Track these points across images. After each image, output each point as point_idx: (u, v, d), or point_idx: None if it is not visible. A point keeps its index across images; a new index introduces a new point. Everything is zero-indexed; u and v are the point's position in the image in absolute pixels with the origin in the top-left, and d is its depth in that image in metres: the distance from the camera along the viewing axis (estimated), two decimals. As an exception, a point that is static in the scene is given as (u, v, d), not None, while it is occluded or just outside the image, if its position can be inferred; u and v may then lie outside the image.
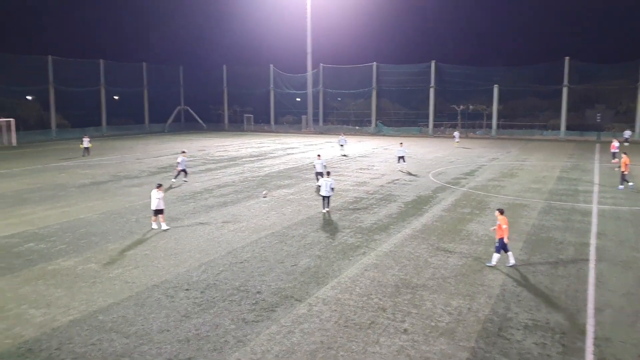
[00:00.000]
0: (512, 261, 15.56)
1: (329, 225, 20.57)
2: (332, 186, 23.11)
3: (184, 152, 33.84)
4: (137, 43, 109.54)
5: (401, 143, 40.18)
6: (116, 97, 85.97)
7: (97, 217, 22.08)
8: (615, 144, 42.61)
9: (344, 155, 46.04)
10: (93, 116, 78.73)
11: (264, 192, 27.16)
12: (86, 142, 46.79)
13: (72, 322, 11.77)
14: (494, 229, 15.99)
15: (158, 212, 20.04)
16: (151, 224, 20.33)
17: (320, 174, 28.79)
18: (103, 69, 79.69)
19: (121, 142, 62.58)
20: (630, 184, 29.11)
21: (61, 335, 11.14)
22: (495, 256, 15.59)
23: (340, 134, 53.59)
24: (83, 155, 45.61)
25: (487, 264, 15.72)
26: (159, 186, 20.43)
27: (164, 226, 20.02)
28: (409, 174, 35.22)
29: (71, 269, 15.37)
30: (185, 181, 31.45)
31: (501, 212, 15.92)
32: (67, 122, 75.66)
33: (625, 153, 30.46)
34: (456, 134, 61.30)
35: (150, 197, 20.54)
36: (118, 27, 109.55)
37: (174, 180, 31.01)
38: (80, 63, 77.16)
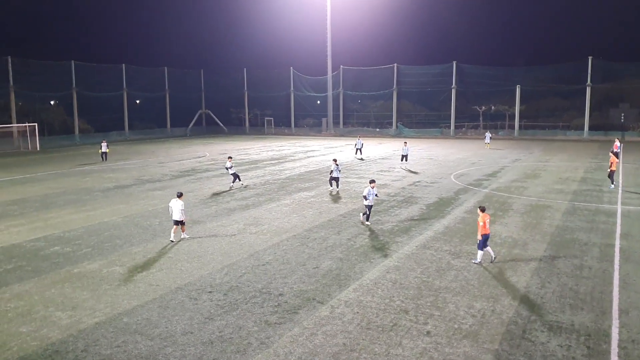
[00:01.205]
0: (479, 259, 15.95)
1: (350, 228, 20.57)
2: (377, 195, 21.65)
3: (230, 157, 33.15)
4: (159, 48, 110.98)
5: (405, 142, 42.19)
6: (138, 102, 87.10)
7: (121, 221, 22.38)
8: (617, 144, 42.08)
9: (361, 159, 45.75)
10: (116, 121, 79.89)
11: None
12: (104, 147, 46.41)
13: (98, 324, 11.96)
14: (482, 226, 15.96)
15: (179, 222, 18.79)
16: (170, 235, 18.93)
17: (336, 179, 28.89)
18: (125, 73, 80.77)
19: (144, 146, 63.37)
20: (611, 185, 29.32)
21: (87, 337, 11.32)
22: (480, 253, 15.93)
23: (357, 137, 53.29)
24: (102, 160, 45.67)
25: (473, 262, 16.01)
26: (180, 195, 19.20)
27: (185, 235, 19.25)
28: (410, 171, 36.61)
29: (96, 272, 15.62)
30: (242, 184, 31.37)
31: (482, 209, 16.27)
32: (90, 126, 76.91)
33: (612, 152, 30.13)
34: (487, 134, 60.51)
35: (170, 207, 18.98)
36: (139, 32, 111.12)
37: (232, 185, 30.96)
38: (103, 68, 78.37)
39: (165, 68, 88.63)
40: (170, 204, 18.95)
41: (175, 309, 12.72)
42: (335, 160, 29.89)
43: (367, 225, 20.87)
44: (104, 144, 46.94)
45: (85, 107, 75.09)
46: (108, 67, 79.29)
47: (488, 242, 16.04)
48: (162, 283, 14.56)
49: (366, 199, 20.78)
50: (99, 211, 24.45)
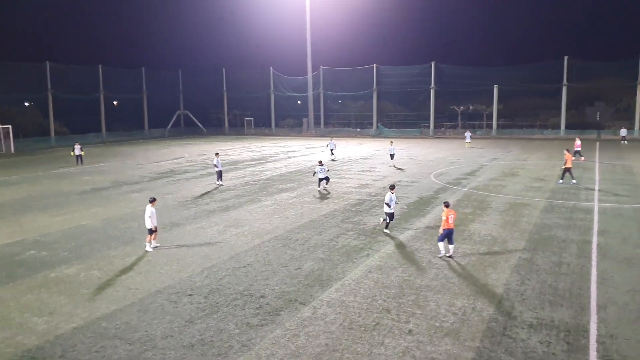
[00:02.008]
0: (442, 252, 16.50)
1: (332, 228, 20.54)
2: (385, 201, 19.74)
3: (217, 153, 34.04)
4: (136, 49, 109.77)
5: (391, 142, 43.74)
6: (115, 103, 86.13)
7: (99, 224, 22.08)
8: (578, 142, 43.13)
9: (333, 160, 45.22)
10: (93, 122, 78.86)
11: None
12: (77, 150, 44.99)
13: (76, 329, 11.76)
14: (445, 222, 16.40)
15: (153, 230, 17.79)
16: (145, 245, 18.06)
17: (325, 179, 29.36)
18: (102, 75, 79.80)
19: (121, 148, 62.67)
20: (561, 180, 30.37)
21: (64, 343, 11.12)
22: (440, 245, 16.53)
23: (330, 138, 53.13)
24: (77, 164, 44.22)
25: (438, 256, 16.49)
26: (153, 201, 18.07)
27: (154, 243, 17.97)
28: (396, 168, 37.67)
29: (74, 276, 15.37)
30: (220, 184, 31.72)
31: (447, 205, 16.67)
32: (66, 129, 75.75)
33: (567, 150, 31.37)
34: (467, 134, 61.22)
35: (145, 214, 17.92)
36: (116, 33, 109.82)
37: (219, 182, 31.70)
38: (79, 69, 77.31)
39: (143, 69, 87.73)
40: (147, 213, 17.73)
41: (155, 313, 12.57)
42: (320, 162, 30.23)
43: (387, 233, 19.59)
44: (77, 147, 45.38)
45: (61, 109, 73.93)
46: (84, 69, 78.24)
47: (453, 238, 16.56)
48: (142, 287, 14.38)
49: (389, 207, 19.33)
50: (76, 214, 24.08)
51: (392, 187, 19.98)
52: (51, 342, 11.16)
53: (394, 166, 39.70)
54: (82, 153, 45.66)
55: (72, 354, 10.62)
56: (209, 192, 29.48)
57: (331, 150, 48.60)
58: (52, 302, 13.37)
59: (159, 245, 18.16)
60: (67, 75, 74.31)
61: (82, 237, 19.82)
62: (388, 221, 19.66)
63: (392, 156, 41.45)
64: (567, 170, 30.10)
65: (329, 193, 28.34)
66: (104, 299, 13.50)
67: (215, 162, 32.18)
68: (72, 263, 16.63)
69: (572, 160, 30.50)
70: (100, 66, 79.72)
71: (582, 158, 41.55)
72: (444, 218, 16.25)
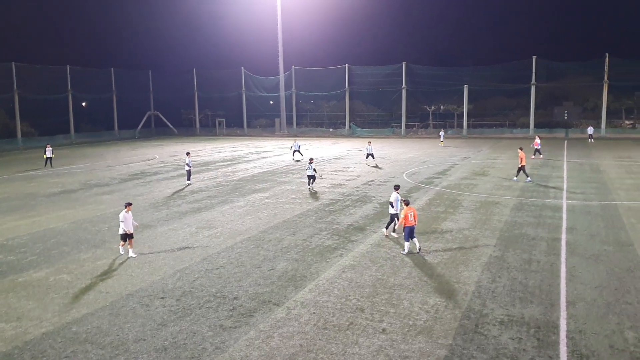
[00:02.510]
0: (408, 250, 16.89)
1: (305, 228, 20.53)
2: (390, 200, 19.10)
3: (188, 153, 34.38)
4: (105, 48, 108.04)
5: (369, 142, 43.70)
6: (84, 104, 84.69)
7: (69, 227, 21.67)
8: (538, 140, 44.52)
9: (297, 161, 44.77)
10: (61, 124, 77.38)
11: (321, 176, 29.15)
12: (49, 152, 43.68)
13: (45, 334, 11.51)
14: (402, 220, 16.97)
15: (128, 236, 17.05)
16: (119, 249, 17.50)
17: (312, 177, 29.77)
18: (70, 75, 78.38)
19: (91, 150, 61.63)
20: (516, 177, 31.32)
21: (33, 348, 10.88)
22: (406, 244, 16.89)
23: (294, 140, 51.96)
24: (45, 166, 42.95)
25: (402, 253, 16.84)
26: (129, 205, 17.35)
27: (132, 253, 17.16)
28: (377, 167, 37.82)
29: (43, 280, 15.05)
30: (189, 183, 32.36)
31: (406, 203, 17.15)
32: (33, 130, 74.21)
33: (520, 148, 32.82)
34: (441, 133, 62.45)
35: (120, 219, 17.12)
36: (85, 32, 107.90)
37: (188, 182, 32.45)
38: (46, 70, 75.80)
39: (112, 69, 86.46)
40: (121, 218, 16.96)
41: (126, 316, 12.38)
42: (310, 160, 30.81)
43: (394, 236, 18.78)
44: (48, 149, 44.08)
45: (28, 110, 72.39)
46: (52, 69, 76.71)
47: (414, 234, 16.95)
48: (113, 290, 14.15)
49: (392, 207, 18.60)
50: (44, 217, 23.59)
51: (396, 187, 19.28)
52: (20, 348, 10.91)
53: (376, 165, 39.82)
54: (53, 155, 44.48)
55: (42, 359, 10.41)
56: (180, 193, 29.19)
57: (294, 151, 47.15)
58: (20, 307, 13.06)
59: (135, 256, 17.06)
60: (34, 75, 72.76)
61: (50, 241, 19.42)
62: (394, 223, 18.70)
63: (370, 156, 41.56)
64: (521, 168, 31.03)
65: (315, 192, 28.34)
66: (74, 303, 13.25)
67: (187, 162, 32.59)
68: (40, 267, 16.28)
69: (532, 159, 31.34)
70: (68, 66, 78.28)
71: (541, 156, 42.60)
72: (402, 216, 16.80)
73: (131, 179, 35.67)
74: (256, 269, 15.69)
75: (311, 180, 29.90)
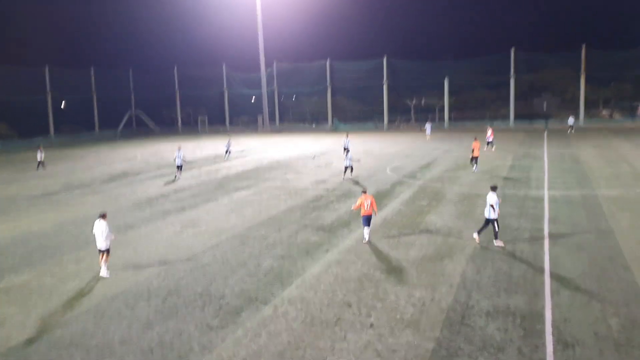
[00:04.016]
0: (366, 235, 17.56)
1: (291, 225, 20.49)
2: (490, 202, 16.76)
3: (179, 147, 36.72)
4: (84, 47, 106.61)
5: (347, 134, 46.16)
6: (63, 104, 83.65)
7: (51, 229, 21.39)
8: (489, 132, 45.58)
9: (226, 160, 44.56)
10: (41, 125, 76.33)
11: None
12: (39, 156, 41.50)
13: (29, 339, 11.36)
14: (355, 208, 17.89)
15: (105, 251, 15.24)
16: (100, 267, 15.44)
17: (350, 167, 31.70)
18: (48, 75, 77.33)
19: (72, 151, 60.88)
20: (475, 167, 32.62)
21: (17, 354, 10.74)
22: (366, 230, 17.53)
23: (228, 137, 50.86)
24: (38, 169, 41.14)
25: (364, 242, 17.47)
26: (103, 216, 15.41)
27: (104, 271, 15.18)
28: (357, 160, 36.92)
29: (25, 285, 14.84)
30: (177, 178, 33.90)
31: (364, 191, 17.89)
32: (13, 132, 73.11)
33: (475, 138, 34.58)
34: (428, 125, 62.22)
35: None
36: (62, 32, 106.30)
37: (178, 176, 34.25)
38: (24, 71, 74.70)
39: (92, 68, 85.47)
40: (94, 230, 15.32)
41: (111, 318, 12.27)
42: (345, 149, 32.96)
43: (501, 246, 16.56)
44: (39, 152, 41.71)
45: (6, 111, 71.28)
46: (30, 70, 75.61)
47: (371, 223, 17.56)
48: (97, 292, 14.01)
49: (494, 210, 16.56)
50: (25, 220, 23.26)
51: (494, 188, 17.02)
52: (3, 354, 10.75)
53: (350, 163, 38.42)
54: (42, 160, 42.01)
55: (26, 365, 10.27)
56: (163, 192, 28.97)
57: (227, 150, 46.42)
58: (2, 312, 12.86)
59: (107, 276, 15.08)
60: (11, 77, 71.59)
61: (32, 244, 19.16)
62: (497, 230, 16.70)
63: (346, 150, 39.39)
64: (474, 158, 32.55)
65: (356, 182, 29.67)
66: (57, 307, 13.09)
67: (178, 155, 34.59)
68: (22, 271, 16.05)
69: (485, 151, 32.36)
70: (46, 66, 77.21)
71: (493, 148, 43.07)
72: (357, 203, 17.54)
73: (113, 179, 35.32)
74: (242, 266, 15.63)
75: (348, 170, 31.67)
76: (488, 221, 16.80)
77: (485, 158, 38.87)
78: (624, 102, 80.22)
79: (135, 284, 14.45)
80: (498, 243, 16.66)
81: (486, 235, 17.70)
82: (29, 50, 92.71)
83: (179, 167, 34.39)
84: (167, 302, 13.09)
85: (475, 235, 17.31)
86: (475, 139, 34.01)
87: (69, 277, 15.32)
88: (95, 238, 15.33)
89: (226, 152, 46.60)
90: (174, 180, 33.11)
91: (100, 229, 15.12)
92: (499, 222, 16.79)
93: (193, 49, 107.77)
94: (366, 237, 17.54)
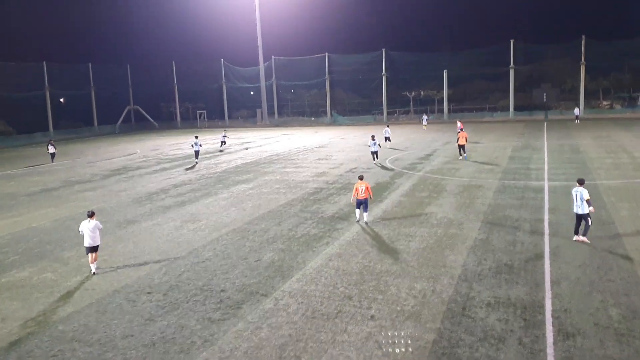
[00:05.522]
0: (358, 218, 19.21)
1: (291, 218, 20.50)
2: (586, 197, 15.44)
3: (197, 136, 41.34)
4: (82, 43, 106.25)
5: (388, 125, 49.48)
6: (62, 100, 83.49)
7: (51, 225, 21.40)
8: (459, 124, 46.96)
9: (221, 151, 46.89)
10: (39, 121, 76.22)
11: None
12: (52, 148, 44.62)
13: (31, 334, 11.38)
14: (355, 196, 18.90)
15: (92, 249, 15.09)
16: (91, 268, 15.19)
17: (376, 153, 34.27)
18: (46, 71, 77.18)
19: (71, 146, 60.80)
20: (464, 155, 34.28)
21: (20, 349, 10.76)
22: (357, 211, 19.20)
23: (224, 130, 54.34)
24: (53, 161, 43.62)
25: (356, 222, 19.06)
26: (92, 215, 15.27)
27: (93, 268, 15.09)
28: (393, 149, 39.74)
29: (26, 280, 14.86)
30: (195, 162, 38.74)
31: (360, 178, 19.27)
32: (11, 128, 72.99)
33: (461, 129, 37.88)
34: (424, 117, 63.54)
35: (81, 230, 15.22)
36: (60, 27, 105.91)
37: (196, 160, 39.13)
38: (22, 67, 74.52)
39: (90, 64, 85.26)
40: (80, 228, 15.23)
41: (113, 313, 12.29)
42: (372, 137, 34.72)
43: (587, 242, 15.64)
44: (51, 145, 45.12)
45: (4, 108, 71.15)
46: (28, 65, 75.42)
47: (367, 208, 18.97)
48: (98, 287, 14.03)
49: (590, 205, 15.45)
50: (25, 216, 23.27)
51: (581, 182, 15.95)
52: (5, 349, 10.77)
53: (391, 147, 41.89)
54: (55, 151, 45.15)
55: (28, 360, 10.29)
56: (163, 187, 28.96)
57: (222, 142, 49.87)
58: (4, 308, 12.89)
59: (97, 272, 15.08)
60: (9, 73, 71.44)
61: (33, 240, 19.17)
62: (589, 225, 15.69)
63: (387, 139, 42.84)
64: (460, 147, 34.53)
65: (381, 165, 32.90)
66: (59, 302, 13.12)
67: (196, 142, 39.47)
68: (23, 267, 16.07)
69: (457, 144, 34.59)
70: (44, 63, 77.02)
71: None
72: (354, 190, 18.83)
73: (113, 174, 35.31)
74: (242, 260, 15.65)
75: (375, 155, 34.06)
76: (580, 217, 15.67)
77: (485, 150, 38.87)
78: (623, 92, 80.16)
79: (137, 279, 14.47)
80: (583, 239, 15.66)
81: (485, 225, 17.68)
82: (27, 46, 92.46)
83: (197, 153, 39.46)
84: (169, 297, 13.12)
85: (575, 237, 15.90)
86: (462, 129, 36.53)
87: (70, 272, 15.34)
88: (84, 235, 15.06)
89: (221, 143, 49.15)
90: (192, 167, 36.93)
91: (87, 226, 14.96)
92: (590, 218, 15.62)
93: (191, 44, 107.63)
94: (364, 218, 18.97)
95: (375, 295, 12.58)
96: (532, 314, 11.24)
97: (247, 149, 46.41)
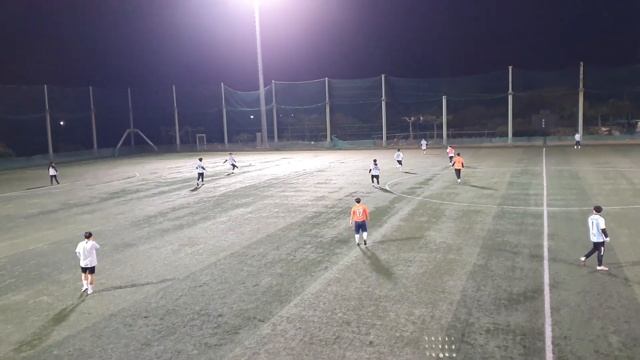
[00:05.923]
0: (357, 241, 19.34)
1: (289, 242, 20.43)
2: (601, 227, 15.42)
3: (200, 159, 42.13)
4: (82, 67, 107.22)
5: (399, 149, 50.94)
6: (62, 123, 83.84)
7: (48, 248, 21.30)
8: (450, 149, 48.25)
9: (232, 174, 46.98)
10: (39, 144, 76.44)
11: None
12: (52, 171, 44.23)
13: (25, 358, 11.25)
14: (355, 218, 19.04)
15: (88, 270, 15.21)
16: (83, 284, 15.50)
17: (376, 176, 34.50)
18: (47, 94, 77.67)
19: (70, 169, 60.84)
20: (459, 181, 34.63)
21: (14, 373, 10.62)
22: (356, 236, 19.34)
23: (229, 154, 52.48)
24: (52, 184, 43.31)
25: (357, 244, 19.27)
26: (89, 236, 15.52)
27: (90, 289, 15.27)
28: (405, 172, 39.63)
29: (22, 303, 14.73)
30: (199, 184, 39.51)
31: (357, 200, 19.83)
32: (11, 151, 73.13)
33: (458, 154, 37.98)
34: (423, 142, 64.48)
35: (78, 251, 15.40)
36: (61, 51, 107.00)
37: (200, 182, 39.98)
38: (23, 90, 75.02)
39: (90, 88, 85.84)
40: (77, 249, 15.42)
41: (109, 337, 12.16)
42: (374, 161, 35.10)
43: (605, 270, 15.43)
44: (52, 168, 44.71)
45: (5, 130, 71.41)
46: (29, 89, 75.91)
47: (366, 228, 19.33)
48: (94, 311, 13.91)
49: (606, 236, 15.42)
50: (22, 239, 23.18)
51: (599, 210, 15.95)
52: (-2, 374, 10.64)
53: (403, 171, 42.90)
54: (57, 173, 44.81)
55: (22, 385, 10.15)
56: (162, 211, 28.91)
57: (232, 165, 49.29)
58: (-2, 332, 12.76)
59: (89, 293, 15.21)
60: (10, 95, 71.87)
61: (30, 262, 19.06)
62: (601, 253, 15.58)
63: (399, 162, 44.51)
64: (456, 171, 35.08)
65: (383, 189, 33.12)
66: (55, 326, 12.99)
67: (200, 165, 40.01)
68: (19, 290, 15.95)
69: (450, 167, 35.74)
70: (45, 86, 77.55)
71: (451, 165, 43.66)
72: (352, 212, 19.06)
73: (112, 197, 35.28)
74: (240, 285, 15.54)
75: (376, 179, 34.50)
76: (596, 245, 15.57)
77: (484, 175, 38.94)
78: (622, 119, 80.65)
79: (133, 303, 14.35)
80: (602, 268, 15.46)
81: (484, 251, 17.63)
82: (27, 69, 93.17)
83: (200, 175, 39.95)
84: (165, 321, 12.99)
85: (582, 258, 16.04)
86: (458, 154, 37.24)
87: (67, 295, 15.22)
88: (80, 256, 15.25)
89: (233, 166, 49.24)
90: (196, 188, 37.85)
91: (84, 247, 15.14)
92: (603, 246, 15.56)
93: (192, 69, 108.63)
94: (363, 240, 19.26)
95: (373, 320, 12.48)
96: (531, 340, 11.13)
97: (250, 164, 47.71)
